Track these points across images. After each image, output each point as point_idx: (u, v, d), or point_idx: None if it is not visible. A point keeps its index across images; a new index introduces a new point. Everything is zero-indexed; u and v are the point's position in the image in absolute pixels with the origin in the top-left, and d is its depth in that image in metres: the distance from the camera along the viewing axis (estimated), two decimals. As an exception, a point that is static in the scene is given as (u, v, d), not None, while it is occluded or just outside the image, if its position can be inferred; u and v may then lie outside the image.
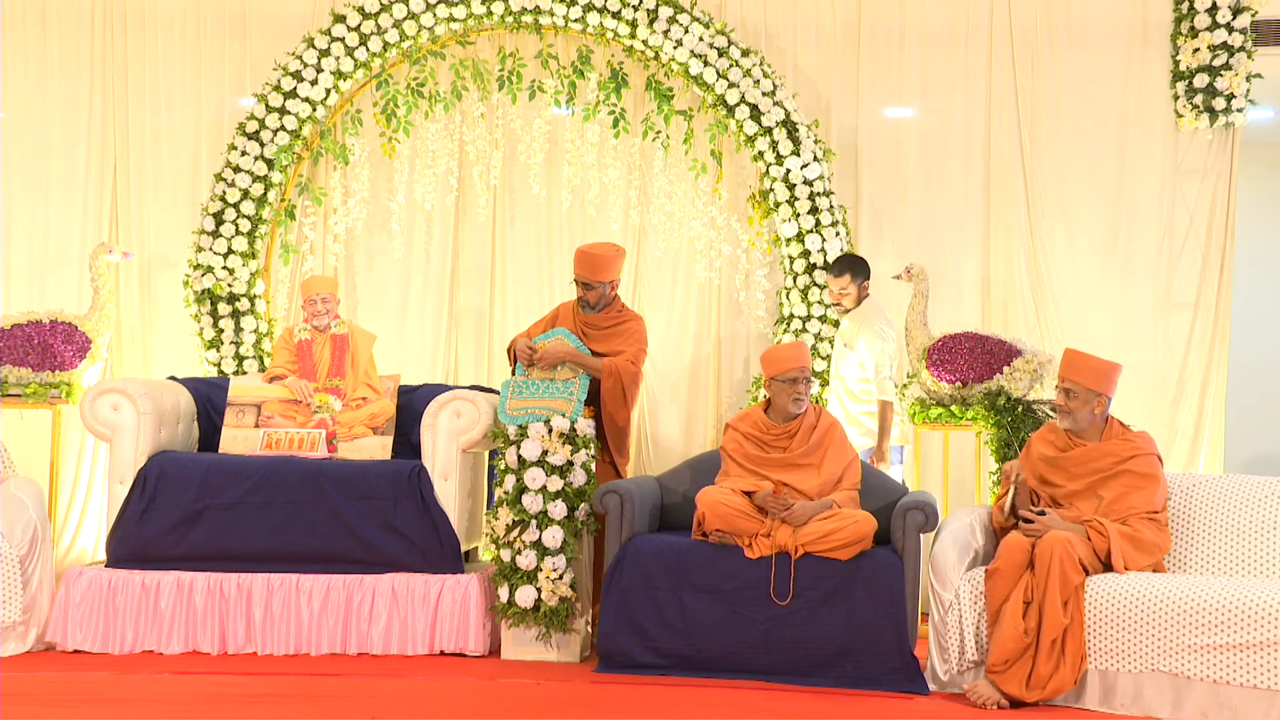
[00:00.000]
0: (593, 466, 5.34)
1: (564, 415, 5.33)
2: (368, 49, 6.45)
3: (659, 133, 6.51)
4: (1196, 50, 6.30)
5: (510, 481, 5.27)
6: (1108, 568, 4.73)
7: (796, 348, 5.30)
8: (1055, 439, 5.04)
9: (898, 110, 6.63)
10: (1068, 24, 6.52)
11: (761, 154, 6.31)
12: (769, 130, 6.30)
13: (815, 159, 6.27)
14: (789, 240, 6.31)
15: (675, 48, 6.34)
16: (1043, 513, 4.78)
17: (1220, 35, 6.25)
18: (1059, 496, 4.93)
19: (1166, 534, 4.86)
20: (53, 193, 6.80)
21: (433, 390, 5.85)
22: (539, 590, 5.17)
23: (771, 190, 6.31)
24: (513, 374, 5.64)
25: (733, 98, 6.31)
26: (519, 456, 5.27)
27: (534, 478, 5.22)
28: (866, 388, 5.95)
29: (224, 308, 6.46)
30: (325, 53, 6.45)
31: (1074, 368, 4.97)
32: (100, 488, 6.55)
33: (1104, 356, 5.09)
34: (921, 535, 4.99)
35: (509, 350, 5.84)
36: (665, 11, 6.34)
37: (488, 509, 5.69)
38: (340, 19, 6.47)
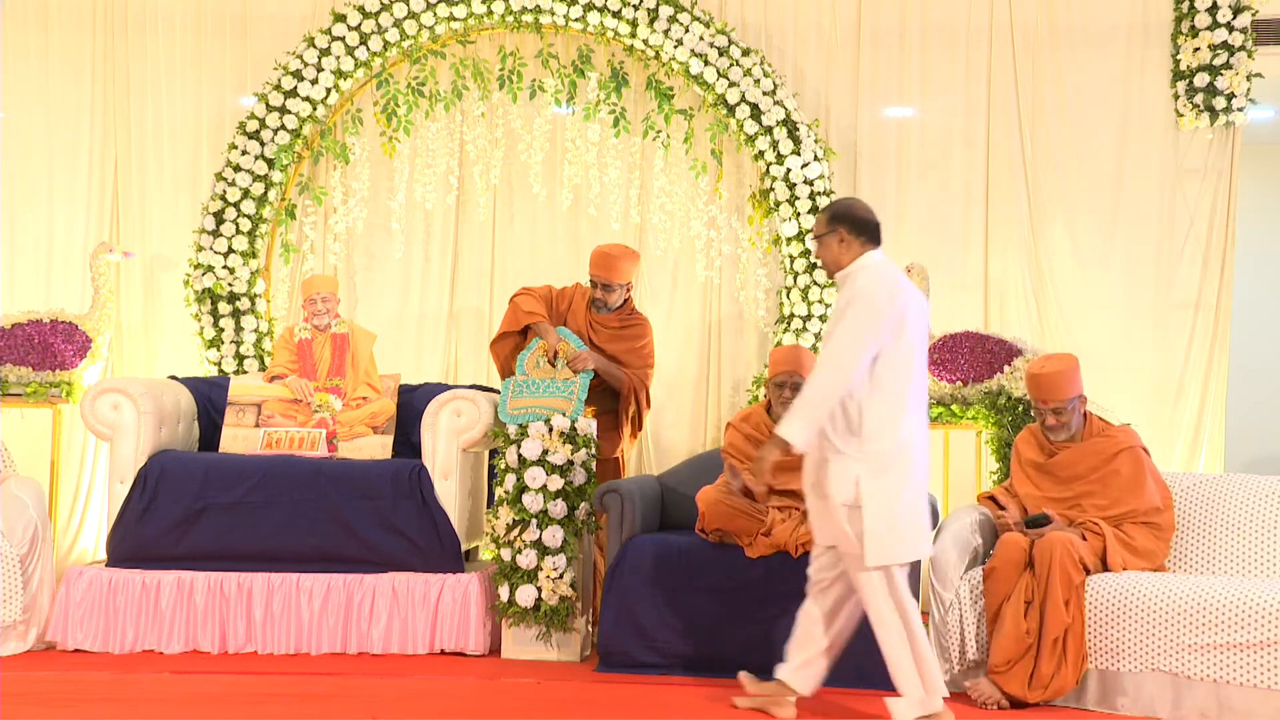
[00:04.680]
0: (593, 466, 5.34)
1: (564, 414, 5.33)
2: (368, 48, 6.45)
3: (659, 132, 6.51)
4: (1197, 50, 6.30)
5: (510, 481, 5.27)
6: (1106, 568, 4.74)
7: (791, 351, 5.29)
8: (1039, 443, 5.04)
9: (898, 110, 6.63)
10: (1068, 24, 6.52)
11: (762, 153, 6.31)
12: (769, 130, 6.30)
13: (816, 158, 6.27)
14: (789, 240, 6.31)
15: (676, 47, 6.34)
16: (1047, 520, 4.77)
17: (1220, 35, 6.24)
18: (1053, 500, 4.93)
19: (1165, 542, 4.86)
20: (55, 193, 6.80)
21: (433, 389, 5.85)
22: (539, 589, 5.17)
23: (772, 189, 6.31)
24: (521, 336, 5.70)
25: (733, 97, 6.31)
26: (519, 455, 5.27)
27: (534, 477, 5.22)
28: None
29: (224, 307, 6.46)
30: (325, 52, 6.45)
31: (1055, 389, 4.89)
32: (101, 487, 6.55)
33: (1073, 354, 5.07)
34: (922, 535, 4.98)
35: (518, 311, 5.82)
36: (666, 11, 6.34)
37: (488, 508, 5.69)
38: (340, 18, 6.47)
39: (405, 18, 6.42)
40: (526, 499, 5.21)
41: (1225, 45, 6.25)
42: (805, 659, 4.40)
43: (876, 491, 4.14)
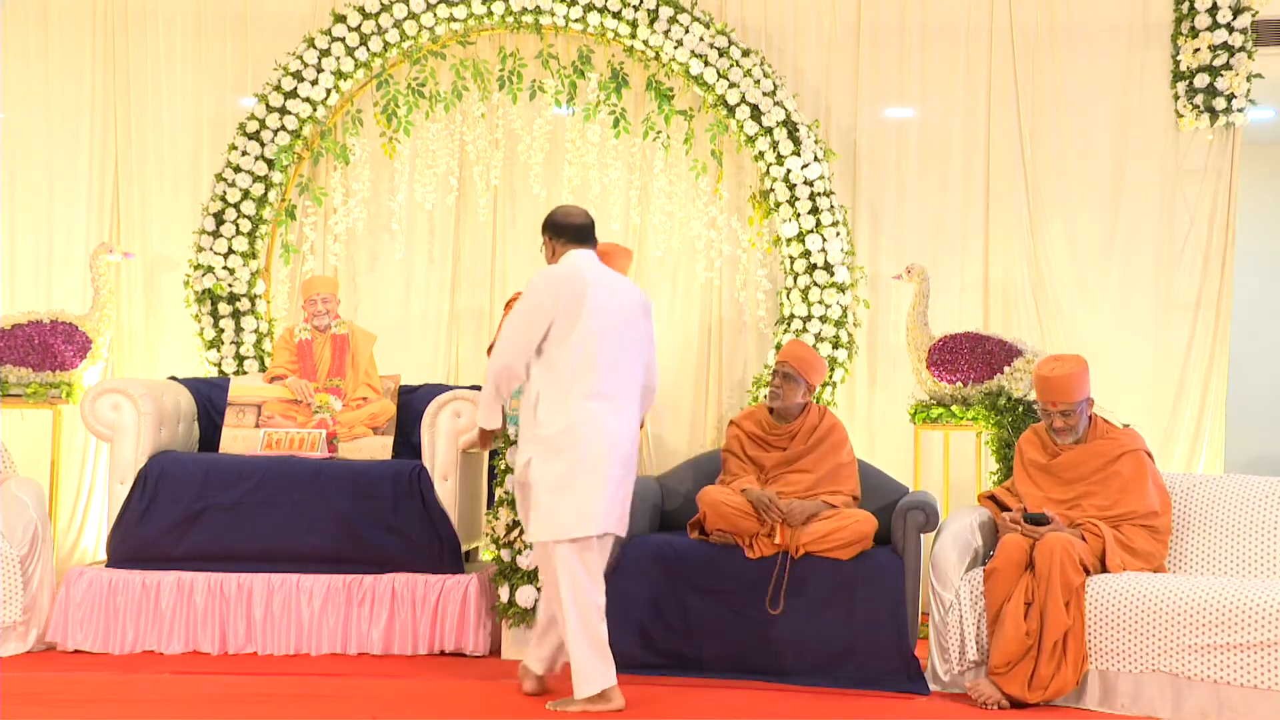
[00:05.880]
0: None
1: (564, 415, 5.32)
2: (368, 49, 6.45)
3: (659, 133, 6.51)
4: (1197, 50, 6.30)
5: (510, 481, 5.26)
6: (1105, 568, 4.74)
7: (796, 345, 5.31)
8: (1043, 443, 5.04)
9: (898, 110, 6.63)
10: (1068, 24, 6.52)
11: (762, 154, 6.31)
12: (769, 130, 6.30)
13: (816, 159, 6.27)
14: (789, 240, 6.31)
15: (676, 48, 6.34)
16: (1046, 519, 4.77)
17: (1221, 35, 6.24)
18: (1054, 500, 4.93)
19: (1163, 544, 4.87)
20: (55, 193, 6.81)
21: (433, 390, 5.85)
22: (539, 590, 5.17)
23: (772, 190, 6.31)
24: None
25: (733, 98, 6.31)
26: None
27: (534, 478, 5.21)
28: None
29: (224, 308, 6.46)
30: (326, 53, 6.45)
31: (1065, 391, 4.89)
32: (101, 488, 6.55)
33: (1081, 356, 5.05)
34: (922, 535, 4.99)
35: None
36: (666, 11, 6.34)
37: (488, 509, 5.69)
38: (341, 19, 6.46)
39: (405, 18, 6.42)
40: (526, 499, 5.20)
41: (1225, 46, 6.25)
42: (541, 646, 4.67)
43: (545, 472, 4.39)
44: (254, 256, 6.49)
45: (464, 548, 5.51)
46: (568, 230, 4.60)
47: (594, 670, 4.36)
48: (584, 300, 4.40)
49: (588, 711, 4.35)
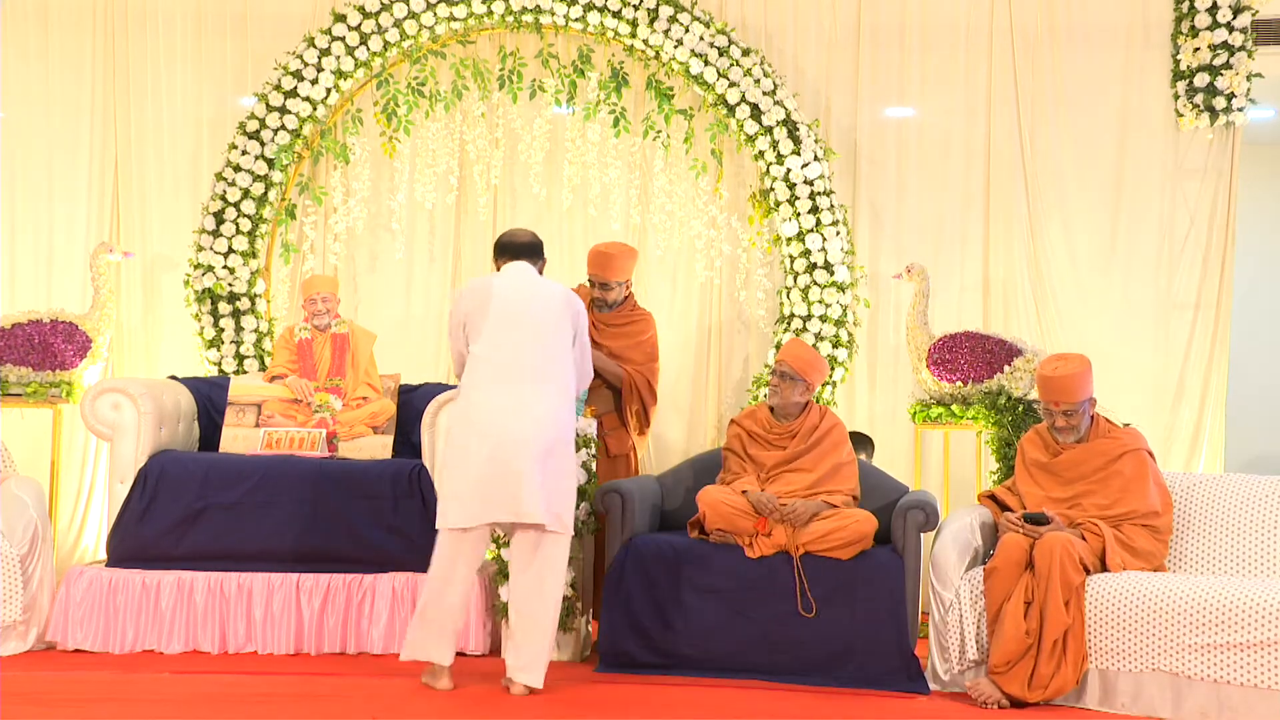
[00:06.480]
0: (594, 465, 5.33)
1: (564, 415, 5.33)
2: (368, 48, 6.45)
3: (659, 132, 6.51)
4: (1197, 50, 6.30)
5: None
6: (1105, 567, 4.74)
7: (795, 345, 5.31)
8: (1044, 443, 5.04)
9: (898, 110, 6.63)
10: (1068, 24, 6.52)
11: (762, 153, 6.32)
12: (769, 130, 6.30)
13: (816, 158, 6.27)
14: (789, 240, 6.31)
15: (676, 47, 6.35)
16: (1046, 519, 4.77)
17: (1221, 34, 6.25)
18: (1055, 499, 4.93)
19: (1164, 544, 4.87)
20: (55, 193, 6.81)
21: (433, 389, 5.86)
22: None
23: (772, 190, 6.31)
24: None
25: (733, 97, 6.32)
26: (519, 456, 5.26)
27: (534, 477, 5.21)
28: None
29: (224, 307, 6.46)
30: (326, 52, 6.45)
31: (1067, 391, 4.89)
32: (101, 487, 6.55)
33: (1085, 355, 5.04)
34: (922, 535, 4.99)
35: None
36: (666, 11, 6.34)
37: (488, 508, 5.68)
38: (341, 18, 6.46)
39: (405, 18, 6.42)
40: (526, 499, 5.20)
41: (1225, 45, 6.25)
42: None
43: (446, 459, 4.69)
44: (254, 256, 6.49)
45: (464, 547, 5.51)
46: (509, 248, 4.88)
47: (420, 641, 4.62)
48: (489, 302, 4.67)
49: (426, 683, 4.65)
